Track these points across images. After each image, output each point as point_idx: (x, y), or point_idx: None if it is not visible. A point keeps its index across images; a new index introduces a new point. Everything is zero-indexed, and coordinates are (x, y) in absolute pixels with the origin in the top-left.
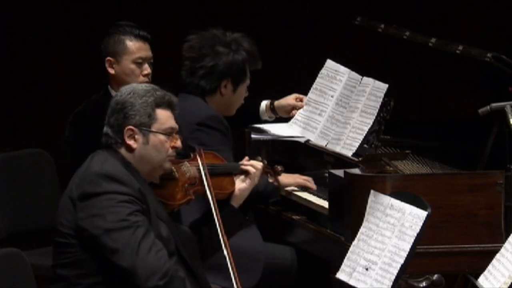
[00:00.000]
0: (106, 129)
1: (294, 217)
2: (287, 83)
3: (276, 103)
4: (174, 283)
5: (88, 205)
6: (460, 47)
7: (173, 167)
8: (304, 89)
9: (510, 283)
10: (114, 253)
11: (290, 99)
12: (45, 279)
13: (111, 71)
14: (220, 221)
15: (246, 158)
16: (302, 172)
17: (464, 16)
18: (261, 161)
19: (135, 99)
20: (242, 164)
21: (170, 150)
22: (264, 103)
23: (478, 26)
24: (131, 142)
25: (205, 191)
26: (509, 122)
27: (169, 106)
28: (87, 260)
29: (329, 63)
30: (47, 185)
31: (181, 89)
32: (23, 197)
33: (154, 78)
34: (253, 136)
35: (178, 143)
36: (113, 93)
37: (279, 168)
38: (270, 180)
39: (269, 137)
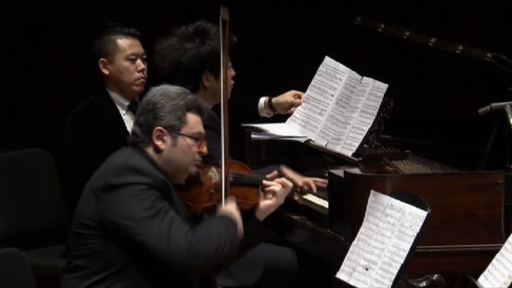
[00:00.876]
0: (134, 127)
1: (294, 217)
2: (287, 83)
3: (274, 100)
4: (202, 254)
5: (112, 197)
6: (460, 47)
7: (199, 171)
8: (304, 89)
9: (510, 283)
10: (144, 243)
11: (288, 96)
12: (45, 279)
13: (106, 71)
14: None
15: (275, 172)
16: (302, 172)
17: (464, 16)
18: (289, 179)
19: (167, 101)
20: (269, 179)
21: (197, 155)
22: (262, 100)
23: (478, 26)
24: (159, 143)
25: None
26: (509, 122)
27: (198, 111)
28: (106, 251)
29: (328, 60)
30: (47, 185)
31: None
32: (23, 197)
33: (151, 77)
34: (253, 136)
35: (205, 149)
36: (111, 93)
37: (306, 188)
38: (296, 198)
39: (269, 137)
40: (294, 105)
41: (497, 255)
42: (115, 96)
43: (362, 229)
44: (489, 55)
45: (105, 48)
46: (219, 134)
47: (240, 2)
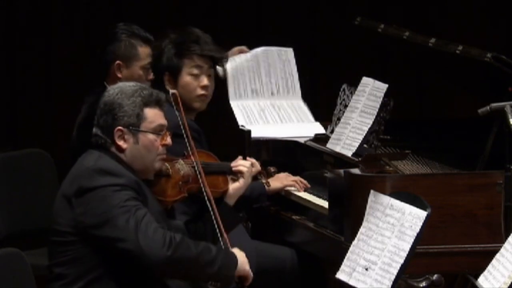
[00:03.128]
0: (95, 130)
1: (294, 217)
2: None
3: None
4: (179, 248)
5: (85, 200)
6: (460, 47)
7: (167, 164)
8: (304, 89)
9: (510, 283)
10: (118, 240)
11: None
12: (45, 279)
13: (119, 75)
14: (217, 214)
15: (240, 157)
16: (302, 172)
17: (464, 16)
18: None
19: (123, 100)
20: (234, 164)
21: (161, 148)
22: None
23: (478, 26)
24: (121, 143)
25: (199, 189)
26: (509, 122)
27: (157, 104)
28: (87, 256)
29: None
30: (47, 185)
31: None
32: (23, 197)
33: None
34: (253, 136)
35: (168, 140)
36: None
37: (272, 169)
38: (263, 181)
39: (269, 137)
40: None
41: (497, 255)
42: None
43: (362, 229)
44: (489, 55)
45: (125, 52)
46: (196, 140)
47: (240, 2)
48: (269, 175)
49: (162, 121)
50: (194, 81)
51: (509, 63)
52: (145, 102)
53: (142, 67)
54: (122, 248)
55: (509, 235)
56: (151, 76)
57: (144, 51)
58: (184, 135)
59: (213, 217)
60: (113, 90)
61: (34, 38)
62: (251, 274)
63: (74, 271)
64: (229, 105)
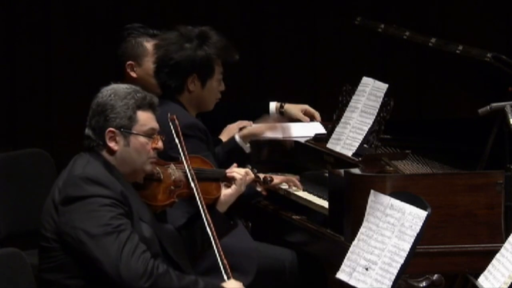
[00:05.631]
0: (87, 131)
1: (294, 217)
2: (287, 83)
3: (286, 107)
4: (159, 281)
5: (70, 210)
6: (460, 47)
7: (158, 168)
8: (304, 89)
9: (510, 283)
10: (98, 260)
11: (298, 111)
12: None
13: (133, 74)
14: (210, 221)
15: (235, 165)
16: (302, 172)
17: (464, 16)
18: (251, 169)
19: (116, 102)
20: (229, 171)
21: (151, 152)
22: (273, 104)
23: (478, 26)
24: (112, 144)
25: (190, 195)
26: (509, 122)
27: (150, 107)
28: (71, 263)
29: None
30: (46, 185)
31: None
32: (23, 197)
33: None
34: None
35: (160, 144)
36: None
37: (269, 177)
38: (259, 189)
39: (269, 137)
40: (302, 120)
41: (497, 255)
42: None
43: (362, 229)
44: (489, 55)
45: (133, 51)
46: (203, 141)
47: (240, 2)
48: (265, 183)
49: (154, 124)
50: (219, 86)
51: (509, 63)
52: (138, 104)
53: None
54: (100, 268)
55: (509, 235)
56: None
57: (152, 45)
58: (178, 141)
59: (206, 224)
60: (106, 92)
61: (34, 39)
62: None
63: (61, 278)
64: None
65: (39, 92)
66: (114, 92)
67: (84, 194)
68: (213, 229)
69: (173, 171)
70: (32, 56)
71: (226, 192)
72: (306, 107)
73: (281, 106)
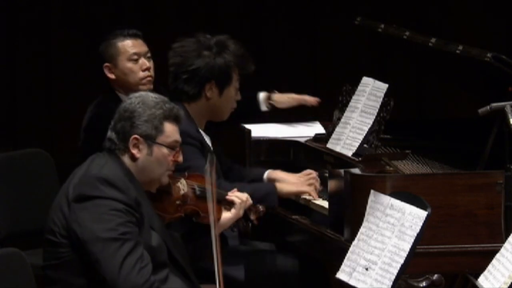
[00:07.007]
0: (110, 133)
1: (294, 217)
2: (287, 83)
3: (276, 97)
4: None
5: (81, 208)
6: (460, 47)
7: (170, 181)
8: (304, 89)
9: (510, 283)
10: (98, 263)
11: (289, 99)
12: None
13: (112, 76)
14: (218, 242)
15: (235, 189)
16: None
17: (464, 16)
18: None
19: (144, 110)
20: (230, 194)
21: (171, 164)
22: (262, 94)
23: (478, 26)
24: (135, 151)
25: (194, 211)
26: (509, 122)
27: (175, 119)
28: (77, 261)
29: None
30: (47, 185)
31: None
32: (23, 197)
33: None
34: (253, 136)
35: (180, 158)
36: (121, 97)
37: (261, 208)
38: (252, 218)
39: (269, 137)
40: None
41: (497, 255)
42: (124, 98)
43: (362, 229)
44: (489, 55)
45: (107, 53)
46: (197, 148)
47: (240, 2)
48: (257, 213)
49: (178, 137)
50: (235, 95)
51: (509, 63)
52: (166, 116)
53: (129, 59)
54: (100, 271)
55: (509, 235)
56: (146, 65)
57: (124, 45)
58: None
59: (213, 244)
60: (135, 98)
61: (34, 38)
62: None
63: (66, 276)
64: None
65: (39, 92)
66: (142, 100)
67: (98, 195)
68: (218, 249)
69: (182, 185)
70: (32, 56)
71: (226, 215)
72: (293, 94)
73: (269, 98)
